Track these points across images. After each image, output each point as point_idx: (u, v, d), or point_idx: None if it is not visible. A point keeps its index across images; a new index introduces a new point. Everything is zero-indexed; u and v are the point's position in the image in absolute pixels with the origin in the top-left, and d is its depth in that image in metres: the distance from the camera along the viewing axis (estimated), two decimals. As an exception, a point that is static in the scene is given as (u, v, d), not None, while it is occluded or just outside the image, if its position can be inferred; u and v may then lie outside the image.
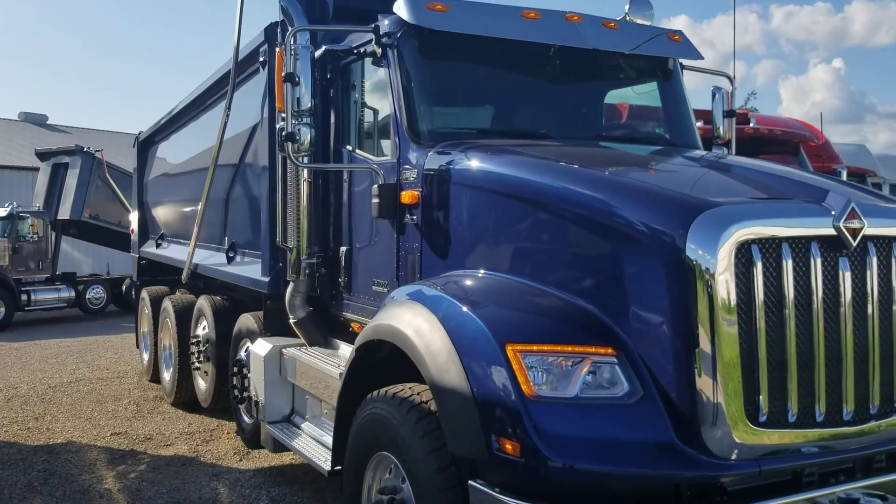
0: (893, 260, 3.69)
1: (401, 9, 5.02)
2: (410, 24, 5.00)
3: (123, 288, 21.14)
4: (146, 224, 11.96)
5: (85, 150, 20.24)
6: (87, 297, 20.53)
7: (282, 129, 5.01)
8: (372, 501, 4.38)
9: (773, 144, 11.24)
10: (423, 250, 4.78)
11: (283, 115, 5.01)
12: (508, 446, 3.38)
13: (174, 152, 10.53)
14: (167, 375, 9.82)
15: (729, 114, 6.24)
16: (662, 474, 3.34)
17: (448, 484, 3.67)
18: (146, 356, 11.07)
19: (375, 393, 4.31)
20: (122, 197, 19.54)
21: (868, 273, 3.62)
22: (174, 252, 10.15)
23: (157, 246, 11.01)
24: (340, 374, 5.05)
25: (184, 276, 8.80)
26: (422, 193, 4.77)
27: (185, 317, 9.21)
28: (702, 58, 5.93)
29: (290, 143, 4.97)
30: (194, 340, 8.70)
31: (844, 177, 9.94)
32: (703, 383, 3.34)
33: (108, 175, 20.24)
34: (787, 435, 3.43)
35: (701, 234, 3.35)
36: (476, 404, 3.52)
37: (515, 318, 3.85)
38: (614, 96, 6.08)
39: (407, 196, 4.85)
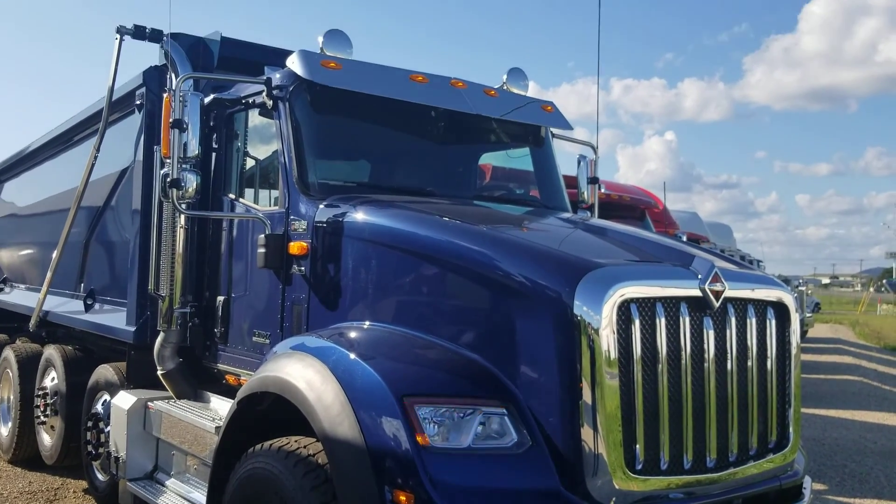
0: (748, 320, 4.11)
1: (294, 63, 5.11)
2: (303, 79, 5.09)
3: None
4: (-15, 267, 11.10)
5: None
6: None
7: (166, 175, 4.91)
8: (251, 561, 4.26)
9: (621, 209, 12.05)
10: (311, 301, 4.79)
11: (168, 160, 4.92)
12: (402, 497, 3.44)
13: (25, 192, 9.93)
14: (5, 430, 9.05)
15: (592, 180, 6.71)
16: None
17: (338, 539, 3.66)
18: (-22, 410, 10.15)
19: (258, 446, 4.23)
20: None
21: (728, 332, 4.01)
22: (19, 298, 9.50)
23: (-1, 291, 10.25)
24: (217, 427, 4.92)
25: (31, 323, 8.25)
26: (311, 245, 4.81)
27: (29, 367, 8.58)
28: (571, 128, 6.38)
29: (174, 190, 4.87)
30: (40, 393, 8.11)
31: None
32: (587, 433, 3.56)
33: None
34: (659, 482, 3.70)
35: (586, 293, 3.61)
36: (370, 455, 3.56)
37: (408, 370, 3.94)
38: (483, 158, 6.40)
39: (295, 247, 4.87)
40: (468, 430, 3.61)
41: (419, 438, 3.51)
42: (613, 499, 3.57)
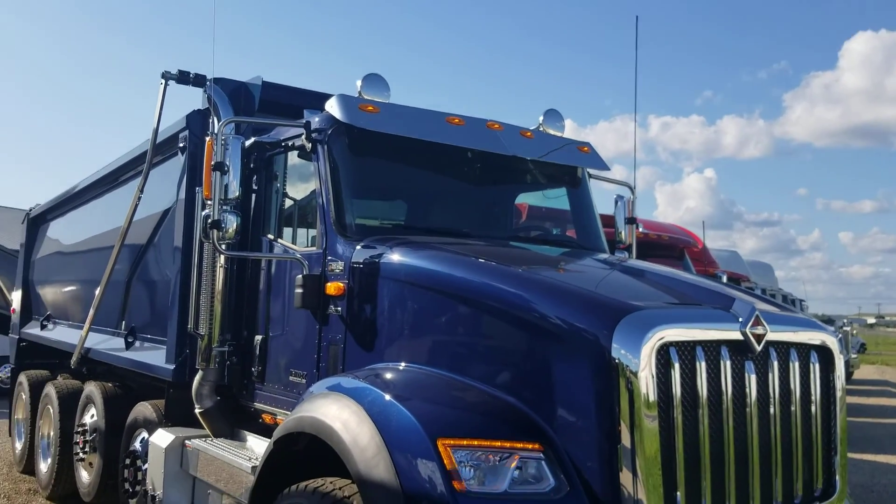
0: (791, 364, 4.03)
1: (333, 108, 5.20)
2: (342, 123, 5.17)
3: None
4: (30, 304, 11.36)
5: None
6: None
7: (207, 217, 5.00)
8: None
9: (660, 248, 11.95)
10: (347, 342, 4.81)
11: (209, 202, 5.02)
12: (438, 542, 3.40)
13: (71, 230, 10.15)
14: (44, 466, 9.17)
15: (630, 220, 6.67)
16: None
17: (372, 582, 3.62)
18: (19, 445, 10.33)
19: (294, 487, 4.23)
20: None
21: (770, 375, 3.93)
22: (61, 334, 9.67)
23: (42, 328, 10.46)
24: (254, 467, 4.92)
25: (73, 360, 8.39)
26: (347, 285, 4.84)
27: (70, 404, 8.71)
28: (608, 168, 6.37)
29: (215, 231, 4.96)
30: (80, 429, 8.21)
31: (725, 281, 10.67)
32: (626, 478, 3.49)
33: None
34: (701, 530, 3.60)
35: (625, 336, 3.57)
36: (405, 499, 3.53)
37: (444, 413, 3.92)
38: (520, 198, 6.41)
39: (332, 287, 4.91)
40: (505, 474, 3.56)
41: (455, 484, 3.47)
42: (653, 547, 3.49)
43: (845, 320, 37.03)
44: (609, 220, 6.67)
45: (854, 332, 39.62)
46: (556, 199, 6.40)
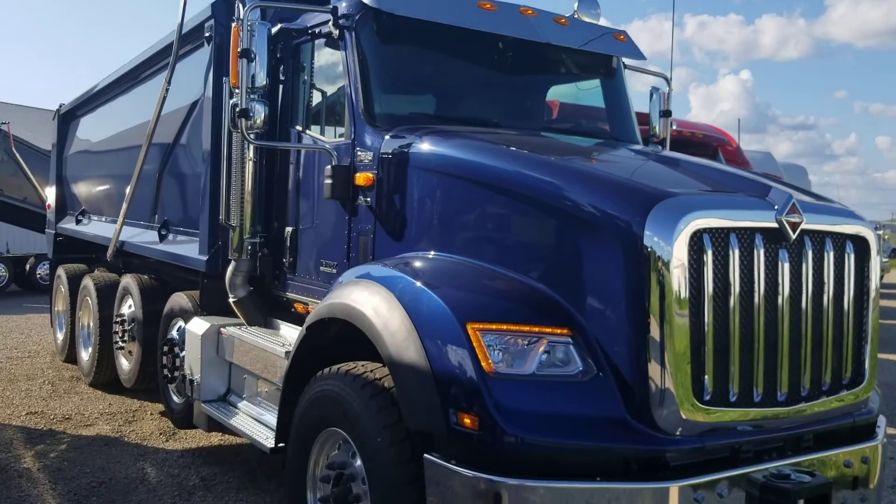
0: (825, 254, 3.97)
1: (360, -9, 5.04)
2: (370, 7, 5.03)
3: (27, 267, 20.26)
4: (64, 199, 11.52)
5: (-10, 122, 19.23)
6: (-12, 276, 19.60)
7: (235, 105, 4.96)
8: (318, 477, 4.41)
9: (693, 147, 11.71)
10: (377, 232, 4.83)
11: (237, 90, 4.96)
12: (466, 420, 3.48)
13: (101, 126, 10.17)
14: (85, 355, 9.50)
15: (665, 113, 6.50)
16: (613, 448, 3.50)
17: (402, 458, 3.74)
18: (61, 335, 10.68)
19: (326, 370, 4.34)
20: (28, 173, 18.67)
21: (804, 265, 3.88)
22: (96, 229, 9.83)
23: (77, 222, 10.63)
24: (287, 352, 5.05)
25: (109, 253, 8.56)
26: (376, 176, 4.82)
27: (107, 295, 8.93)
28: (644, 58, 6.18)
29: (243, 120, 4.93)
30: (118, 319, 8.45)
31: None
32: (654, 364, 3.52)
33: (13, 149, 19.28)
34: (727, 413, 3.65)
35: (658, 223, 3.53)
36: (435, 380, 3.60)
37: (474, 298, 3.96)
38: (552, 91, 6.26)
39: (361, 178, 4.89)
40: (533, 357, 3.61)
41: (484, 364, 3.53)
42: (680, 429, 3.54)
43: (878, 224, 36.43)
44: (643, 119, 6.51)
45: (886, 237, 39.10)
46: (590, 91, 6.23)
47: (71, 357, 10.15)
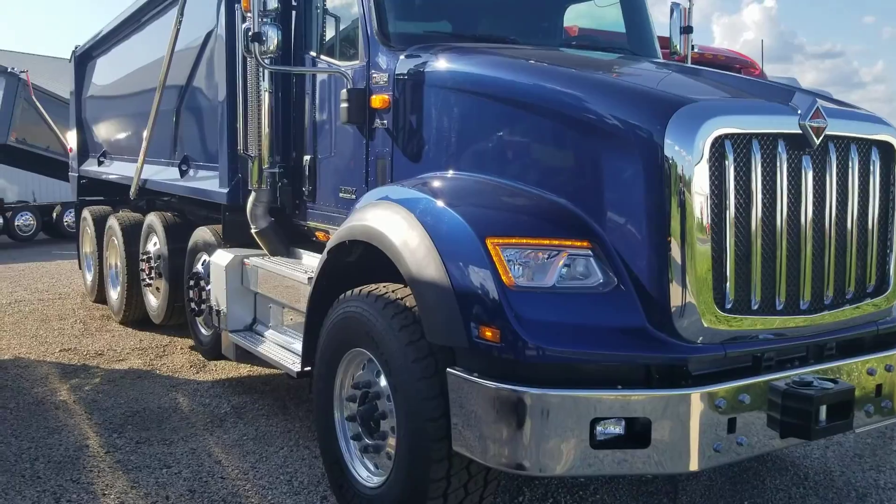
0: (850, 160, 3.89)
1: None
2: None
3: (54, 215, 20.52)
4: (86, 142, 11.56)
5: (9, 70, 19.24)
6: (16, 224, 19.87)
7: (248, 30, 4.90)
8: (344, 397, 4.49)
9: (715, 68, 11.45)
10: (394, 155, 4.80)
11: (249, 14, 4.90)
12: (488, 333, 3.50)
13: (116, 66, 10.13)
14: (114, 294, 9.67)
15: (686, 30, 6.33)
16: (635, 356, 3.52)
17: (426, 373, 3.78)
18: (90, 276, 10.86)
19: (349, 292, 4.37)
20: (49, 120, 18.75)
21: (828, 172, 3.81)
22: (118, 169, 9.90)
23: (100, 164, 10.70)
24: (310, 278, 5.09)
25: (132, 192, 8.63)
26: (392, 97, 4.77)
27: (133, 234, 9.04)
28: (664, -28, 5.99)
29: (256, 44, 4.87)
30: (145, 257, 8.57)
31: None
32: (675, 271, 3.51)
33: (34, 97, 19.33)
34: (749, 321, 3.64)
35: (679, 129, 3.47)
36: (456, 295, 3.61)
37: (493, 214, 3.94)
38: (569, 11, 6.10)
39: (377, 100, 4.84)
40: (553, 270, 3.60)
41: (504, 278, 3.53)
42: (701, 338, 3.54)
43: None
44: (663, 42, 6.35)
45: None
46: (608, 7, 6.08)
47: (100, 297, 10.34)
